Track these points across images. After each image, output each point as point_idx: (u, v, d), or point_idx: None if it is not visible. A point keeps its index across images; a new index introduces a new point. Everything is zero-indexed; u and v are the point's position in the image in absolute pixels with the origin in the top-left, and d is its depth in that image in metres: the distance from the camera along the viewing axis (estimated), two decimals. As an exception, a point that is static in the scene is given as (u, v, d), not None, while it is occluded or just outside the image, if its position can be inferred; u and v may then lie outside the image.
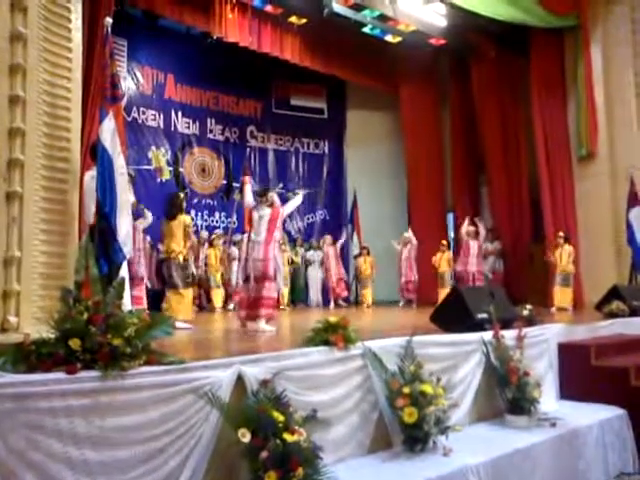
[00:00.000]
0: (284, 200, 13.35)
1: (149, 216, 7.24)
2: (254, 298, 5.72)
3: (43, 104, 3.92)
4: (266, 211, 5.94)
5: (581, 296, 10.20)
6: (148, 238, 9.48)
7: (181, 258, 6.50)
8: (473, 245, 10.47)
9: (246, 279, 5.91)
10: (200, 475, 2.65)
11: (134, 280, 6.54)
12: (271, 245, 5.85)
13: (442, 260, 11.54)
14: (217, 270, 10.59)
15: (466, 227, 10.62)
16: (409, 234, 11.92)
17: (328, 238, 12.35)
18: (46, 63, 3.96)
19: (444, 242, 11.86)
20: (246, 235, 6.31)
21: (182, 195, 7.01)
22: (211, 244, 10.83)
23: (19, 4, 3.73)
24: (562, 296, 9.67)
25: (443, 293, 9.42)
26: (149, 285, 8.97)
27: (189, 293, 6.67)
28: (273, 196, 6.14)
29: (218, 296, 10.52)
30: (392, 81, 13.24)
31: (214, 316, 9.39)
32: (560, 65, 11.13)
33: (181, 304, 6.42)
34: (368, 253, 12.31)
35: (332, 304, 11.91)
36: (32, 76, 3.79)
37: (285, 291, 11.35)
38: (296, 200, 6.39)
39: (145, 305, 8.26)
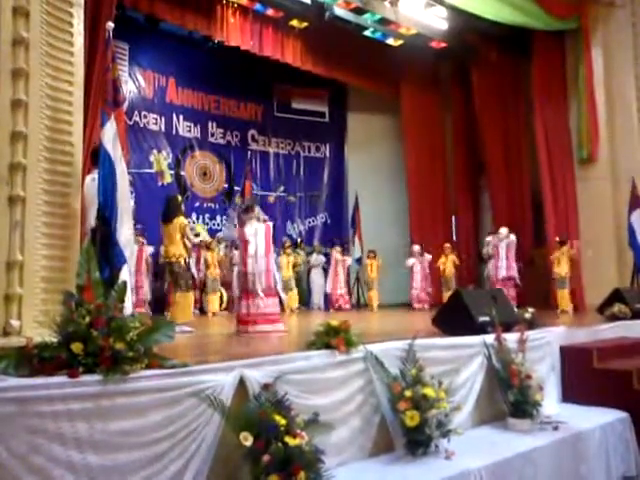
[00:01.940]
0: (285, 205, 13.44)
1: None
2: (261, 314, 5.70)
3: (45, 108, 3.92)
4: (260, 226, 5.97)
5: (583, 299, 10.20)
6: (145, 242, 9.50)
7: (182, 261, 6.48)
8: (502, 250, 10.02)
9: (245, 295, 5.86)
10: (202, 479, 2.65)
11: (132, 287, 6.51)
12: (270, 257, 5.88)
13: (447, 263, 11.52)
14: (214, 274, 10.58)
15: (500, 234, 10.25)
16: (417, 248, 11.83)
17: (338, 249, 12.31)
18: (48, 67, 3.97)
19: (447, 245, 11.84)
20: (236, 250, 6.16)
21: (180, 198, 6.96)
22: (209, 248, 10.82)
23: (21, 9, 3.74)
24: (561, 299, 9.67)
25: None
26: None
27: (190, 296, 6.65)
28: (259, 211, 6.17)
29: (216, 300, 10.51)
30: (393, 84, 13.25)
31: (215, 320, 9.38)
32: (561, 68, 11.16)
33: (182, 307, 6.40)
34: (375, 256, 12.26)
35: (323, 305, 12.01)
36: (34, 80, 3.79)
37: (292, 295, 11.37)
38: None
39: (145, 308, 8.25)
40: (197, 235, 10.69)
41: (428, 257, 11.67)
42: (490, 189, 12.54)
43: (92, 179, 4.58)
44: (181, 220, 6.53)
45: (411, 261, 11.75)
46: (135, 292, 7.10)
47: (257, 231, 5.90)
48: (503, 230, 10.23)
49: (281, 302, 6.36)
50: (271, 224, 6.15)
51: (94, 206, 4.28)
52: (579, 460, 4.16)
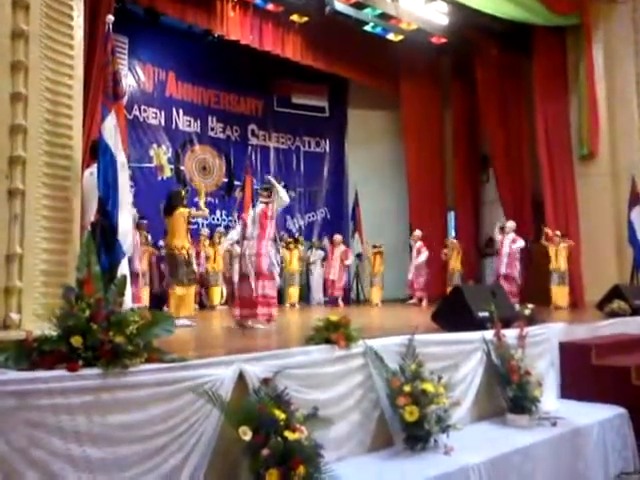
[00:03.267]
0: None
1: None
2: (249, 297, 5.70)
3: (45, 101, 3.91)
4: (259, 207, 5.96)
5: (582, 295, 10.20)
6: (149, 237, 9.48)
7: (185, 253, 6.49)
8: (505, 244, 9.79)
9: (241, 278, 5.89)
10: (201, 473, 2.65)
11: (132, 277, 6.51)
12: (264, 241, 5.85)
13: (452, 257, 11.50)
14: (217, 268, 10.59)
15: (507, 227, 10.01)
16: (419, 233, 11.67)
17: (338, 237, 12.25)
18: (48, 60, 3.96)
19: (454, 240, 11.81)
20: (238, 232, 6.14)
21: (183, 192, 6.98)
22: (212, 242, 10.83)
23: (21, 1, 3.72)
24: (559, 294, 9.66)
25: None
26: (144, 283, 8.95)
27: (192, 290, 6.66)
28: (273, 192, 6.11)
29: (217, 294, 10.53)
30: (393, 79, 13.24)
31: (214, 313, 9.39)
32: (562, 64, 11.13)
33: (183, 301, 6.41)
34: (380, 252, 12.16)
35: (322, 300, 11.85)
36: (34, 73, 3.78)
37: (295, 290, 11.36)
38: (283, 199, 6.19)
39: (144, 302, 8.26)
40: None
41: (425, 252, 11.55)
42: (497, 184, 12.44)
43: (90, 173, 4.58)
44: (181, 210, 6.55)
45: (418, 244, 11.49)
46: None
47: (255, 213, 5.92)
48: (510, 224, 10.10)
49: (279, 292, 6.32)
50: (270, 205, 6.03)
51: (93, 200, 4.28)
52: (577, 456, 4.17)
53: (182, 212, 6.54)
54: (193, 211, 6.77)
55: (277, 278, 6.14)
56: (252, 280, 5.74)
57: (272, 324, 5.86)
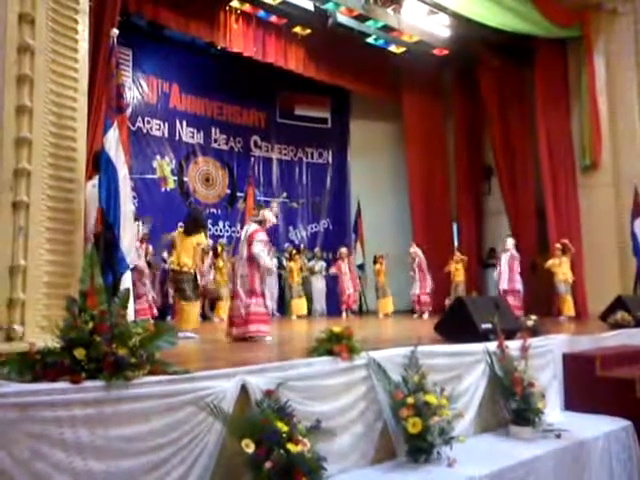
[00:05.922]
0: (287, 211, 13.41)
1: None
2: (244, 314, 5.65)
3: (49, 114, 3.93)
4: (251, 227, 5.95)
5: (585, 306, 10.17)
6: (150, 248, 9.48)
7: (193, 272, 6.52)
8: (504, 261, 9.80)
9: (234, 296, 5.86)
10: (204, 485, 2.64)
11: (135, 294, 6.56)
12: (253, 261, 5.82)
13: (457, 270, 11.46)
14: (224, 281, 10.53)
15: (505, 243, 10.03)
16: (414, 249, 11.57)
17: (344, 250, 12.19)
18: (53, 73, 3.98)
19: (458, 252, 11.79)
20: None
21: (204, 214, 7.04)
22: (216, 254, 10.79)
23: (27, 15, 3.76)
24: (567, 305, 9.63)
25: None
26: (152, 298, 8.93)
27: (197, 304, 6.69)
28: (264, 213, 6.04)
29: (223, 306, 10.46)
30: (396, 91, 13.29)
31: (218, 326, 9.36)
32: (564, 75, 11.19)
33: (191, 315, 6.44)
34: (382, 261, 12.02)
35: (344, 314, 11.63)
36: (39, 86, 3.80)
37: (302, 301, 11.33)
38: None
39: (151, 315, 8.26)
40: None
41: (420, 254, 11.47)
42: (503, 195, 12.42)
43: (93, 185, 4.59)
44: (198, 239, 6.57)
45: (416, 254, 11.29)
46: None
47: (246, 233, 5.92)
48: (509, 240, 10.08)
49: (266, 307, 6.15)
50: (254, 243, 5.84)
51: (94, 211, 4.30)
52: (582, 468, 4.14)
53: (198, 238, 6.57)
54: (204, 244, 6.87)
55: (267, 294, 6.11)
56: (242, 298, 5.69)
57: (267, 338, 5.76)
